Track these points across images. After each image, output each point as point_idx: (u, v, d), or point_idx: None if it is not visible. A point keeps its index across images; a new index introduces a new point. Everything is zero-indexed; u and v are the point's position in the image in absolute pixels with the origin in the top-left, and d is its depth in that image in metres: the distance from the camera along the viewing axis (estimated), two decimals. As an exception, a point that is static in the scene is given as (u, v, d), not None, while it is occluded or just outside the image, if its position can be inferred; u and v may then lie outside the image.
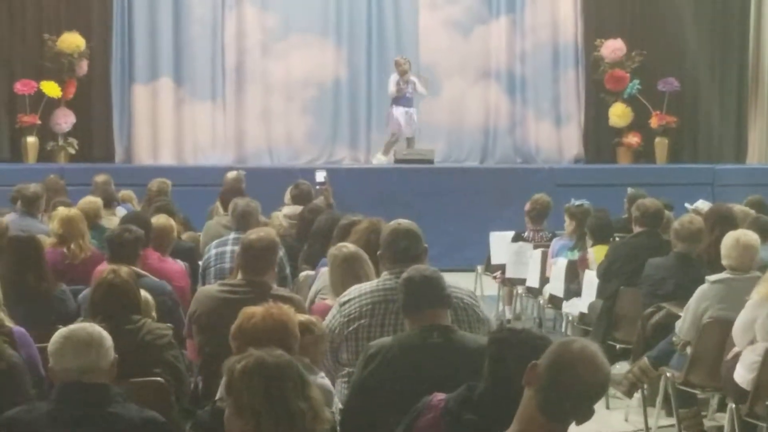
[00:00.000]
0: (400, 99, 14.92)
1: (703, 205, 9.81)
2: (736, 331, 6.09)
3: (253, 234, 5.94)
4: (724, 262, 6.65)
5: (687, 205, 10.28)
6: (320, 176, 11.01)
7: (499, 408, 3.45)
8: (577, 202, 9.62)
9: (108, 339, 4.08)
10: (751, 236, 6.67)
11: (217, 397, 4.33)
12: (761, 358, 5.84)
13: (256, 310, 4.28)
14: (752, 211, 8.77)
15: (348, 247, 5.92)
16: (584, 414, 3.17)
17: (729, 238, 6.67)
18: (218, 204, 9.85)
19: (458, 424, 3.60)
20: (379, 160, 15.24)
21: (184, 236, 9.05)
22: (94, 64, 15.11)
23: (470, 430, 3.55)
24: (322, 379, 4.73)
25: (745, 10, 16.36)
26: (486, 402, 3.57)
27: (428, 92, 15.31)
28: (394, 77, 14.96)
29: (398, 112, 14.94)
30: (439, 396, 3.72)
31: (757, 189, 10.83)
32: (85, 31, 14.94)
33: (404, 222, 5.36)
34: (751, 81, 16.39)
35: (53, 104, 14.70)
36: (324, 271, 6.22)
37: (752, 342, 5.99)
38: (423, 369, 4.27)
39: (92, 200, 8.68)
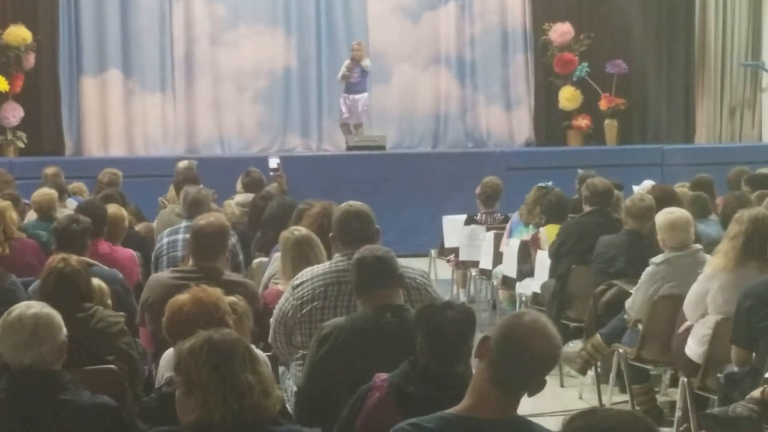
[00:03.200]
0: (347, 86, 14.98)
1: (649, 185, 9.88)
2: (688, 304, 6.12)
3: (203, 219, 5.90)
4: (661, 243, 6.68)
5: (634, 187, 10.34)
6: (273, 163, 10.95)
7: (442, 376, 3.60)
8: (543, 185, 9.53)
9: (57, 317, 4.04)
10: (678, 213, 6.68)
11: (158, 384, 4.32)
12: (712, 331, 5.88)
13: (183, 300, 4.26)
14: (688, 191, 8.88)
15: (300, 230, 5.92)
16: (536, 385, 3.20)
17: (658, 220, 6.70)
18: (173, 193, 9.79)
19: (406, 398, 3.65)
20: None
21: (139, 226, 8.98)
22: (41, 57, 14.92)
23: (419, 402, 3.59)
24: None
25: (690, -8, 16.51)
26: (429, 372, 3.67)
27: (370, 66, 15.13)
28: (344, 64, 15.01)
29: (341, 99, 15.05)
30: (382, 376, 3.77)
31: (705, 168, 10.94)
32: (31, 23, 14.74)
33: (355, 204, 5.35)
34: (698, 62, 16.54)
35: (1, 98, 14.51)
36: (277, 256, 6.20)
37: (703, 315, 6.02)
38: (376, 349, 4.28)
39: (47, 192, 8.50)
